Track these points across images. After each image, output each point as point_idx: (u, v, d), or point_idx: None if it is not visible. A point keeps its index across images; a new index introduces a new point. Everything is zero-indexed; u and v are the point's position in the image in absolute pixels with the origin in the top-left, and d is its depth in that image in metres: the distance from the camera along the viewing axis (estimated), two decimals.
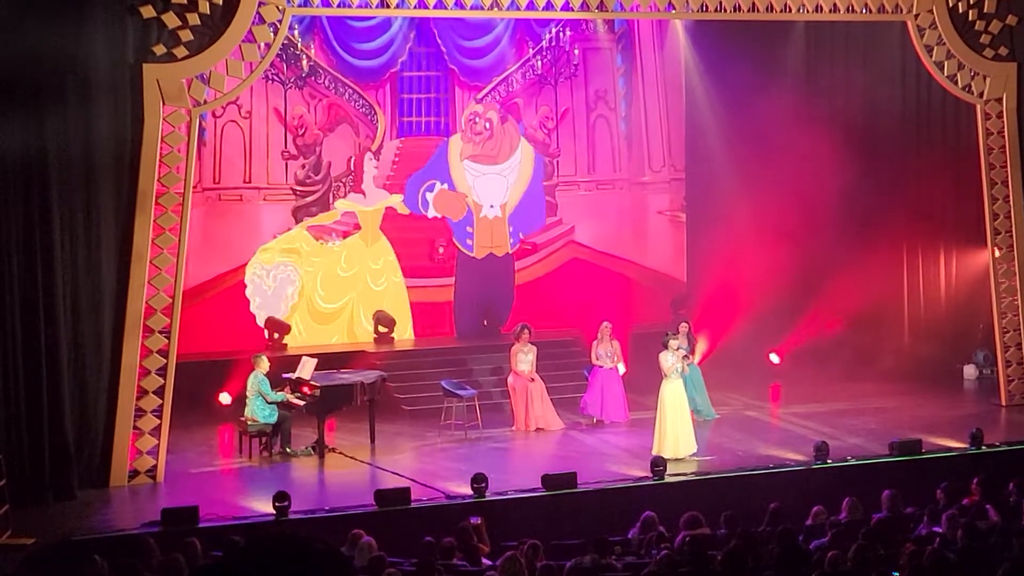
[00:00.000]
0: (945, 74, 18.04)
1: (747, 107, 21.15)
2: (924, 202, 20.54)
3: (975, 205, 18.95)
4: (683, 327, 18.15)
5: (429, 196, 21.50)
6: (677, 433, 15.81)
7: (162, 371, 15.20)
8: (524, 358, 17.94)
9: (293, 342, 20.71)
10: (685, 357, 16.49)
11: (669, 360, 16.07)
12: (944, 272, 21.08)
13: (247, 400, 16.53)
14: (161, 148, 14.86)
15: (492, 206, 21.99)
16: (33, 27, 14.06)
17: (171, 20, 14.77)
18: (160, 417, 15.21)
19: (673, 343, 16.19)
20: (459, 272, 21.86)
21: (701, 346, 19.15)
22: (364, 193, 21.17)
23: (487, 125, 21.71)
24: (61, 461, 14.50)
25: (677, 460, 15.45)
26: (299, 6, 15.55)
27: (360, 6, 15.97)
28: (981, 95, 18.12)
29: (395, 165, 21.39)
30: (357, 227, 21.21)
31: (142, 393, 15.11)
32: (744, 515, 12.01)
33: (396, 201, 21.32)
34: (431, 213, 21.52)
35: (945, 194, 20.33)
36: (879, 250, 20.73)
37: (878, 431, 16.75)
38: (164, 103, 14.82)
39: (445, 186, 21.57)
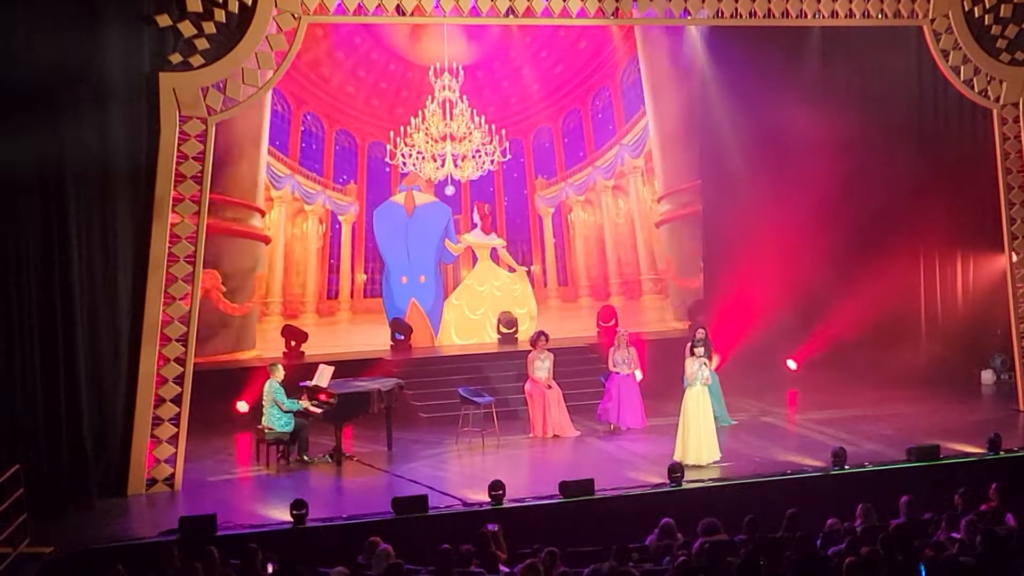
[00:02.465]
0: (961, 79, 18.01)
1: (763, 113, 21.09)
2: (941, 207, 20.49)
3: (992, 210, 18.92)
4: (700, 333, 18.06)
5: None
6: (700, 440, 15.75)
7: (179, 379, 15.23)
8: (541, 365, 17.93)
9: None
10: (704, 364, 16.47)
11: (693, 366, 16.03)
12: (961, 277, 21.06)
13: (263, 409, 16.55)
14: (177, 156, 14.91)
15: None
16: (49, 37, 14.08)
17: (187, 29, 14.82)
18: (178, 425, 15.25)
19: (699, 350, 16.16)
20: None
21: (718, 353, 19.08)
22: None
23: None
24: (79, 470, 14.52)
25: (700, 467, 15.41)
26: (314, 15, 15.56)
27: (375, 14, 15.99)
28: (998, 99, 18.10)
29: None
30: None
31: (159, 401, 15.15)
32: (762, 521, 11.98)
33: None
34: None
35: (962, 199, 20.29)
36: (896, 255, 20.70)
37: (895, 437, 16.68)
38: (180, 112, 14.86)
39: None
